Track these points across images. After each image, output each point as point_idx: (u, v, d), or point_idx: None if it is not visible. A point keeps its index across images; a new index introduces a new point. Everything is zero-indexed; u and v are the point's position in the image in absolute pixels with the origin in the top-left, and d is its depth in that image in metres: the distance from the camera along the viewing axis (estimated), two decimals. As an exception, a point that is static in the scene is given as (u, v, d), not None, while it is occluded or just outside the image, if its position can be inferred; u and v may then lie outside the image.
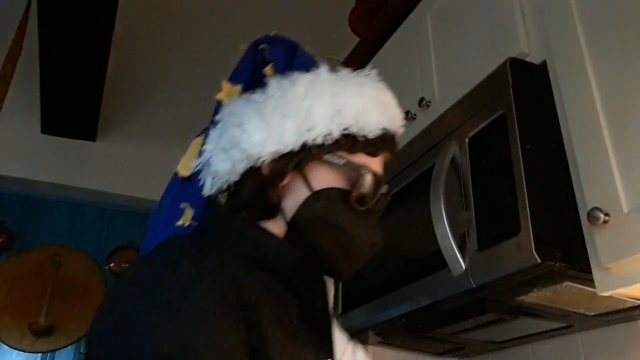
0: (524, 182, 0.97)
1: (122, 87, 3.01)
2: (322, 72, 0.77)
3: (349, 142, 0.75)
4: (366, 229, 0.75)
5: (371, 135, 0.75)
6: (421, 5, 1.59)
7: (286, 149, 0.72)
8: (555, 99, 1.04)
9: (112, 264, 3.41)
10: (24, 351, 3.15)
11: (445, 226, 1.07)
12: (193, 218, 0.79)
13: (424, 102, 1.42)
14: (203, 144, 0.79)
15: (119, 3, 2.24)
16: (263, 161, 0.73)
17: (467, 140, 1.16)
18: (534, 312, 1.15)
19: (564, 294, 1.03)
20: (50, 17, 2.32)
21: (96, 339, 0.65)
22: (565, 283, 0.98)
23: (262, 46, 0.83)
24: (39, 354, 3.19)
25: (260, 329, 0.63)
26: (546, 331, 1.31)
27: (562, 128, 1.01)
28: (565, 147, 1.00)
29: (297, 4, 2.47)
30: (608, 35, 0.94)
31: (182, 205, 0.80)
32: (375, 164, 0.79)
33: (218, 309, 0.61)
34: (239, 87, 0.81)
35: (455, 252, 1.06)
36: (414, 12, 1.62)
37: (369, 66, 0.82)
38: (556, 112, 1.04)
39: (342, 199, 0.74)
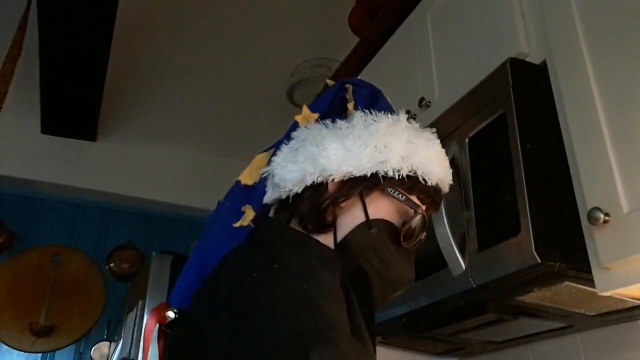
0: (524, 182, 0.97)
1: (122, 87, 3.00)
2: (402, 119, 0.84)
3: (410, 183, 0.81)
4: (404, 266, 0.81)
5: (430, 183, 0.81)
6: (421, 5, 1.59)
7: (359, 172, 0.78)
8: (555, 99, 1.04)
9: (112, 264, 3.40)
10: (24, 351, 3.14)
11: (445, 226, 1.08)
12: (253, 220, 0.85)
13: (424, 102, 1.42)
14: (273, 155, 0.85)
15: (119, 3, 2.24)
16: (333, 179, 0.78)
17: (467, 140, 1.16)
18: (534, 312, 1.15)
19: (564, 293, 1.03)
20: (50, 17, 2.32)
21: (220, 332, 0.67)
22: (565, 283, 0.98)
23: (347, 86, 0.90)
24: (39, 354, 3.19)
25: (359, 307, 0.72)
26: (546, 331, 1.31)
27: (562, 128, 1.01)
28: (565, 147, 1.00)
29: (297, 3, 2.47)
30: (608, 36, 0.94)
31: (244, 207, 0.85)
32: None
33: (336, 288, 0.68)
34: (316, 115, 0.88)
35: (455, 252, 1.06)
36: (414, 12, 1.62)
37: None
38: (556, 112, 1.03)
39: (392, 233, 0.80)
